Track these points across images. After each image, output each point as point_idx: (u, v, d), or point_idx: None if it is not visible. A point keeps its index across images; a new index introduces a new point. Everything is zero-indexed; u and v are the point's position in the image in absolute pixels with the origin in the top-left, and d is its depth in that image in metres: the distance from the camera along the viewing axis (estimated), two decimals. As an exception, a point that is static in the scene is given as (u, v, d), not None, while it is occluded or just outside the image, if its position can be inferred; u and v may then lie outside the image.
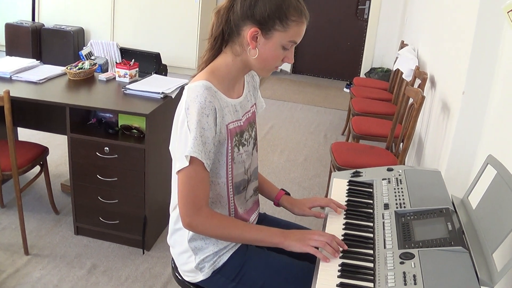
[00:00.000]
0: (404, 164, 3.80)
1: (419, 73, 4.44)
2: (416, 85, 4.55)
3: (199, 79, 1.86)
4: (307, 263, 1.96)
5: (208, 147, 1.80)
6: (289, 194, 2.32)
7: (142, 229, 3.46)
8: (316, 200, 2.21)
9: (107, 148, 3.35)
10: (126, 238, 3.57)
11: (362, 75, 8.74)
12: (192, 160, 1.78)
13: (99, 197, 3.48)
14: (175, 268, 2.13)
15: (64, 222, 3.82)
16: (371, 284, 1.62)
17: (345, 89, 8.57)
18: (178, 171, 1.82)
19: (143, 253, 3.52)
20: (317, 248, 1.80)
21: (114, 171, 3.40)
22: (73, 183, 3.51)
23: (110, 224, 3.53)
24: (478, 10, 2.83)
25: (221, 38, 1.91)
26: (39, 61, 4.21)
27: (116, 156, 3.36)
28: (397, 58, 5.92)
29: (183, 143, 1.78)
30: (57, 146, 4.97)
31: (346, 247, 1.79)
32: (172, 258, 2.13)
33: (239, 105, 2.01)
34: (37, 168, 3.76)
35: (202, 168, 1.80)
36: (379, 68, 8.42)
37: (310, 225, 3.62)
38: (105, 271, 3.31)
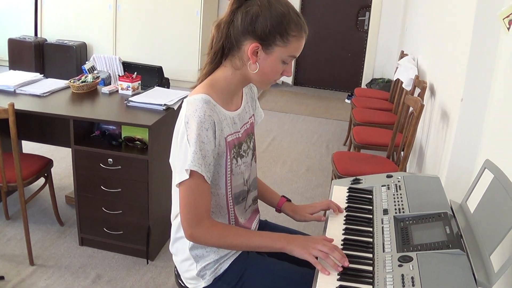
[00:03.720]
0: (405, 172, 3.83)
1: (419, 82, 4.48)
2: (416, 94, 4.58)
3: (198, 92, 1.89)
4: (308, 269, 1.97)
5: (208, 160, 1.83)
6: (290, 201, 2.35)
7: (146, 239, 3.50)
8: (316, 206, 2.24)
9: (111, 160, 3.39)
10: (130, 248, 3.60)
11: (363, 86, 8.77)
12: (192, 173, 1.80)
13: (103, 208, 3.52)
14: (177, 276, 2.16)
15: (69, 233, 3.86)
16: (370, 287, 1.65)
17: (346, 100, 8.61)
18: (179, 184, 1.85)
19: (147, 263, 3.55)
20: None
21: (118, 182, 3.44)
22: (78, 194, 3.55)
23: (114, 234, 3.57)
24: (474, 16, 2.87)
25: (221, 52, 1.94)
26: (42, 75, 4.26)
27: (120, 167, 3.40)
28: (397, 68, 5.96)
29: (183, 157, 1.81)
30: (61, 159, 5.01)
31: (347, 264, 1.76)
32: (175, 265, 2.16)
33: (238, 117, 2.04)
34: (41, 180, 3.80)
35: (202, 180, 1.83)
36: (380, 78, 8.46)
37: (310, 228, 3.65)
38: (110, 281, 3.34)
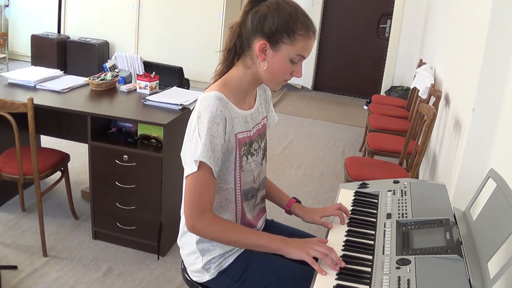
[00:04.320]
0: (417, 179, 3.85)
1: (434, 91, 4.50)
2: (431, 103, 4.60)
3: (212, 90, 1.98)
4: (310, 268, 2.02)
5: (217, 154, 1.91)
6: (300, 202, 2.40)
7: (157, 235, 3.56)
8: (327, 211, 2.26)
9: (126, 156, 3.46)
10: (142, 243, 3.67)
11: (382, 93, 8.79)
12: (201, 165, 1.88)
13: (117, 203, 3.59)
14: (184, 269, 2.22)
15: (83, 227, 3.94)
16: (367, 287, 1.69)
17: (365, 107, 8.62)
18: (187, 176, 1.93)
19: (158, 258, 3.62)
20: (316, 259, 1.87)
21: (132, 179, 3.51)
22: (93, 189, 3.62)
23: (127, 229, 3.64)
24: (488, 28, 2.90)
25: (234, 51, 2.04)
26: (63, 72, 4.34)
27: (135, 164, 3.46)
28: (415, 76, 5.98)
29: (194, 149, 1.90)
30: (79, 154, 5.10)
31: (343, 265, 1.82)
32: (182, 259, 2.22)
33: (250, 116, 2.11)
34: (58, 174, 3.89)
35: (209, 173, 1.91)
36: (399, 86, 8.47)
37: (316, 232, 3.69)
38: (120, 274, 3.41)
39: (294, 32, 1.91)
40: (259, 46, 1.93)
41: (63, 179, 3.92)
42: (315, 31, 1.97)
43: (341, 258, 1.85)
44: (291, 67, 1.98)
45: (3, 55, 8.47)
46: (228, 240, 1.98)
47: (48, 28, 9.07)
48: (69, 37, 8.75)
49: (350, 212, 2.24)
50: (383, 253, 1.85)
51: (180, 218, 2.23)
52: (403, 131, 5.12)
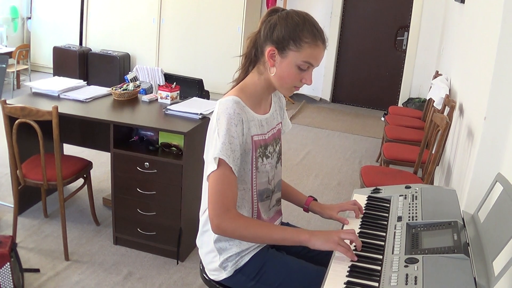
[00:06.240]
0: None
1: (448, 101, 4.57)
2: (445, 113, 4.66)
3: (229, 95, 2.11)
4: (323, 268, 2.10)
5: (236, 154, 2.02)
6: (316, 200, 2.54)
7: (177, 240, 3.66)
8: (343, 206, 2.41)
9: (147, 164, 3.56)
10: (162, 249, 3.76)
11: (400, 105, 8.83)
12: (221, 163, 1.99)
13: (138, 209, 3.69)
14: (202, 270, 2.32)
15: (104, 232, 4.04)
16: (376, 284, 1.76)
17: (382, 119, 8.66)
18: (208, 176, 2.03)
19: (177, 263, 3.71)
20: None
21: (153, 185, 3.61)
22: (114, 195, 3.73)
23: (147, 235, 3.74)
24: (498, 37, 2.97)
25: (250, 59, 2.19)
26: (85, 82, 4.46)
27: (156, 171, 3.57)
28: (430, 87, 6.04)
29: (213, 148, 2.01)
30: (101, 164, 5.21)
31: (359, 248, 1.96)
32: (200, 259, 2.32)
33: (265, 121, 2.23)
34: (80, 182, 4.01)
35: (230, 172, 2.01)
36: (417, 98, 8.51)
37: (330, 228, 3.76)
38: (140, 278, 3.50)
39: (300, 39, 2.02)
40: (268, 52, 2.07)
41: (86, 185, 4.04)
42: (324, 40, 2.08)
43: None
44: (300, 74, 2.09)
45: (25, 67, 8.64)
46: (253, 236, 2.04)
47: (70, 40, 9.24)
48: (90, 49, 8.91)
49: (362, 215, 2.33)
50: (392, 253, 1.93)
51: (198, 219, 2.33)
52: (418, 141, 5.17)
